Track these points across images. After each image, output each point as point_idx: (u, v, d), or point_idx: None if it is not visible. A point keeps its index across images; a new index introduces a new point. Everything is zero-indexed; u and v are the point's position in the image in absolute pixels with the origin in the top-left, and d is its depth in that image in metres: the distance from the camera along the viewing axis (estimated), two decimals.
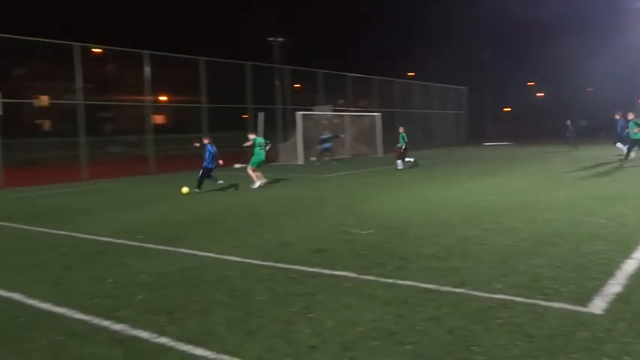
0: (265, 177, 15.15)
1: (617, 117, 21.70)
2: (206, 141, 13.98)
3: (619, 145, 21.23)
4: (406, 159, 20.06)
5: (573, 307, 4.41)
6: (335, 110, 32.23)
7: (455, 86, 45.02)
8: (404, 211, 9.71)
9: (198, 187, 13.70)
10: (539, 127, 59.09)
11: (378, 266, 5.90)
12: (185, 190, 13.30)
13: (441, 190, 12.99)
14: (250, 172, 14.65)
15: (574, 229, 7.52)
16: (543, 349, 3.65)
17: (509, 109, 71.21)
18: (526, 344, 3.72)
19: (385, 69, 42.65)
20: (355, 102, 35.84)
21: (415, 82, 42.66)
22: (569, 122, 30.55)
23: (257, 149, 14.69)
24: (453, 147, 39.38)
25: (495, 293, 4.82)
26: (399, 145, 20.09)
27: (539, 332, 3.91)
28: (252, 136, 15.16)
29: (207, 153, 13.79)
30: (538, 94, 69.58)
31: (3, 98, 18.98)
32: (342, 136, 25.75)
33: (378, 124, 31.94)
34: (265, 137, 15.58)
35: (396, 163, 19.90)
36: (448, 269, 5.68)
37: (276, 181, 16.97)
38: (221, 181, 13.94)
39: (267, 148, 15.07)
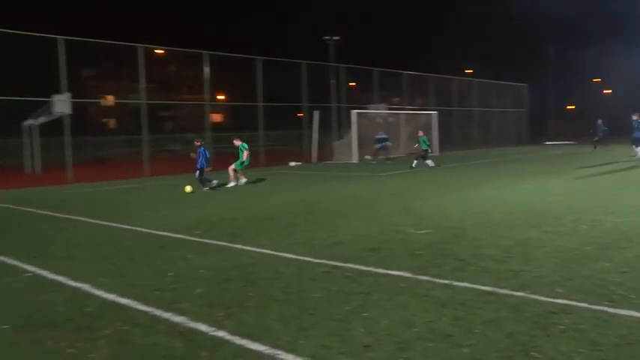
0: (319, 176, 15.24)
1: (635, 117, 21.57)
2: (198, 143, 14.88)
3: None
4: (426, 161, 20.41)
5: None
6: (390, 108, 31.97)
7: (515, 83, 43.62)
8: (461, 211, 9.51)
9: (204, 185, 14.45)
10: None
11: (435, 267, 5.81)
12: (188, 189, 13.77)
13: (500, 190, 12.64)
14: (231, 171, 15.29)
15: None
16: (609, 358, 3.48)
17: (574, 107, 68.28)
18: (590, 352, 3.56)
19: (442, 66, 41.96)
20: (411, 100, 35.43)
21: (473, 79, 41.65)
22: (600, 121, 29.23)
23: (242, 153, 15.35)
24: (512, 146, 38.21)
25: (557, 298, 4.64)
26: (422, 147, 20.44)
27: (605, 340, 3.74)
28: (237, 142, 15.70)
29: (201, 155, 14.59)
30: (605, 91, 66.37)
31: (72, 98, 19.99)
32: (389, 144, 25.63)
33: (434, 122, 31.43)
34: (247, 142, 16.15)
35: (412, 162, 20.38)
36: (507, 272, 5.52)
37: (331, 179, 17.03)
38: (215, 181, 14.69)
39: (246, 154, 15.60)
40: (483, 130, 39.61)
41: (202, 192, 14.10)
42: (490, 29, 55.82)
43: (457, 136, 37.16)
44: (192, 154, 14.80)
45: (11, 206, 12.35)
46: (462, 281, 5.23)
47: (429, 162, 20.42)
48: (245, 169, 15.67)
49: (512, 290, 4.89)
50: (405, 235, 7.57)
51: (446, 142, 34.17)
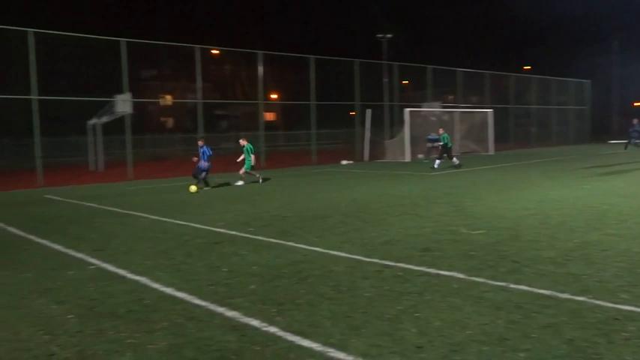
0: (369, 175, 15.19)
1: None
2: (201, 143, 15.08)
3: None
4: (453, 160, 19.74)
5: None
6: (444, 106, 31.42)
7: (576, 80, 41.87)
8: (518, 212, 9.24)
9: (206, 185, 14.77)
10: None
11: (489, 268, 5.67)
12: (193, 188, 14.06)
13: (559, 190, 12.17)
14: (243, 173, 15.58)
15: None
16: None
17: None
18: None
19: (499, 63, 40.81)
20: (466, 98, 34.67)
21: (532, 75, 40.28)
22: (635, 121, 27.48)
23: (249, 155, 15.55)
24: (573, 145, 36.73)
25: (622, 304, 4.43)
26: (441, 144, 19.72)
27: None
28: (243, 143, 15.78)
29: (204, 154, 14.83)
30: None
31: (133, 98, 20.78)
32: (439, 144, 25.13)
33: (490, 120, 30.65)
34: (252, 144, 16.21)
35: (434, 162, 19.60)
36: (567, 275, 5.31)
37: (383, 178, 16.92)
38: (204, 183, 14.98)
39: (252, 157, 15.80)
40: (542, 128, 38.27)
41: (254, 190, 14.33)
42: (550, 23, 53.83)
43: (514, 135, 36.09)
44: (195, 158, 15.09)
45: (76, 202, 12.98)
46: (518, 284, 5.08)
47: (455, 161, 19.74)
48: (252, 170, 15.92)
49: (572, 295, 4.71)
50: (458, 235, 7.42)
51: (502, 140, 33.26)
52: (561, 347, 3.65)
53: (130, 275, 5.86)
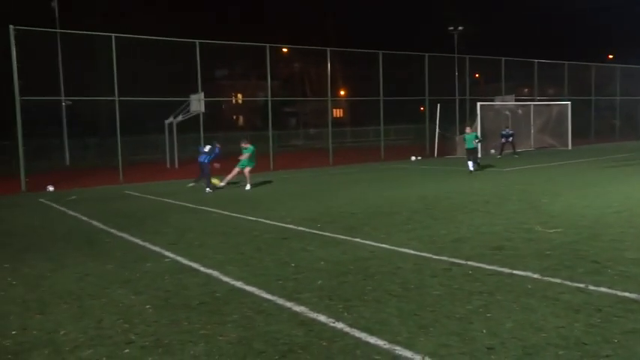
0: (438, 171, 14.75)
1: None
2: (218, 145, 15.30)
3: None
4: (477, 161, 17.29)
5: None
6: (518, 100, 30.19)
7: None
8: (597, 210, 8.73)
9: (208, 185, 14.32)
10: None
11: (566, 269, 5.40)
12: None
13: None
14: (247, 173, 14.60)
15: None
16: None
17: None
18: None
19: (579, 52, 38.72)
20: (542, 90, 33.13)
21: (615, 65, 37.86)
22: None
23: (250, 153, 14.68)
24: None
25: None
26: (468, 145, 17.16)
27: None
28: (245, 145, 14.93)
29: (214, 154, 14.80)
30: None
31: (205, 97, 21.50)
32: (509, 140, 23.91)
33: (568, 113, 29.13)
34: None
35: (466, 165, 16.91)
36: None
37: (453, 174, 16.52)
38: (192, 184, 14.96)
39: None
40: (627, 121, 35.92)
41: (322, 187, 14.43)
42: (635, 7, 50.38)
43: (596, 128, 34.12)
44: (217, 165, 14.70)
45: (153, 197, 13.60)
46: (598, 286, 4.80)
47: (470, 164, 16.76)
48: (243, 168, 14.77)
49: None
50: (532, 234, 7.12)
51: (582, 134, 31.54)
52: None
53: (202, 268, 6.07)
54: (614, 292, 4.64)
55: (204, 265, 6.18)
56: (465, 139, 17.70)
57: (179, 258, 6.62)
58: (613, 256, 5.77)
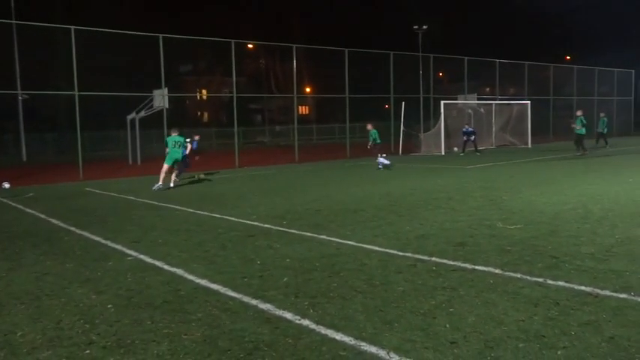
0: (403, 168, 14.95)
1: None
2: (197, 137, 15.88)
3: None
4: (378, 159, 17.96)
5: None
6: (481, 99, 30.83)
7: (620, 69, 40.40)
8: (556, 206, 9.00)
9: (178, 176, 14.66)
10: None
11: (526, 264, 5.55)
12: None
13: (600, 184, 11.80)
14: (163, 170, 14.09)
15: None
16: None
17: None
18: None
19: (538, 53, 39.75)
20: (503, 90, 33.90)
21: (573, 65, 39.06)
22: None
23: (173, 148, 14.02)
24: (617, 137, 35.51)
25: None
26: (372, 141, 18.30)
27: None
28: (174, 134, 14.40)
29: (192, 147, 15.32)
30: None
31: (169, 93, 21.14)
32: (471, 138, 24.57)
33: (528, 112, 29.92)
34: (184, 136, 14.81)
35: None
36: (608, 271, 5.15)
37: (418, 171, 16.75)
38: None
39: (188, 148, 15.09)
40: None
41: (288, 184, 14.39)
42: (591, 12, 52.10)
43: (554, 127, 35.13)
44: (196, 157, 15.22)
45: (115, 195, 13.31)
46: (556, 280, 4.96)
47: (382, 160, 17.78)
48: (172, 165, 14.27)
49: (613, 292, 4.57)
50: (493, 230, 7.29)
51: (542, 132, 32.43)
52: (601, 345, 3.55)
53: (166, 267, 5.98)
54: (571, 285, 4.79)
55: (167, 264, 6.09)
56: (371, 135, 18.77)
57: (142, 256, 6.50)
58: (570, 251, 5.96)
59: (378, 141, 18.82)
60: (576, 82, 37.12)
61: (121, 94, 21.78)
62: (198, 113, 51.85)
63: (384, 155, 18.31)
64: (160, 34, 20.37)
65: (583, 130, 21.15)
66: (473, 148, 24.42)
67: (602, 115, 26.37)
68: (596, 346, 3.55)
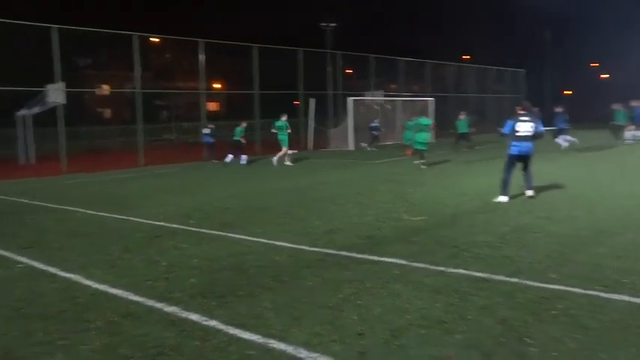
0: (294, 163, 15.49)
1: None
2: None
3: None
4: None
5: (635, 299, 4.18)
6: (387, 95, 31.84)
7: (512, 69, 43.41)
8: (456, 198, 9.49)
9: None
10: (600, 110, 56.17)
11: (429, 254, 5.79)
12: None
13: (494, 177, 12.56)
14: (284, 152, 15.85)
15: (638, 219, 7.12)
16: (602, 342, 3.47)
17: (571, 93, 68.07)
18: (583, 337, 3.56)
19: (439, 52, 41.72)
20: (408, 87, 35.25)
21: (470, 65, 41.41)
22: (560, 109, 29.38)
23: (280, 132, 15.83)
24: None
25: (551, 283, 4.63)
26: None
27: (598, 325, 3.73)
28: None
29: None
30: (602, 76, 66.13)
31: (66, 88, 19.82)
32: (376, 133, 25.57)
33: (431, 108, 31.32)
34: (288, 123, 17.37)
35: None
36: (501, 258, 5.51)
37: (327, 167, 16.98)
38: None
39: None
40: (480, 117, 39.48)
41: (196, 182, 14.06)
42: (488, 14, 55.51)
43: (453, 123, 37.07)
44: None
45: (5, 197, 12.28)
46: (456, 268, 5.22)
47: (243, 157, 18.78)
48: None
49: (506, 276, 4.88)
50: (399, 222, 7.55)
51: (444, 128, 34.09)
52: (495, 327, 3.77)
53: (61, 273, 5.59)
54: (469, 272, 5.06)
55: (63, 270, 5.70)
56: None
57: (34, 263, 6.03)
58: (468, 240, 6.30)
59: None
60: (473, 81, 39.42)
61: (8, 89, 20.07)
62: (99, 109, 49.16)
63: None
64: (54, 25, 19.01)
65: (466, 129, 22.89)
66: (380, 143, 25.16)
67: (462, 115, 24.03)
68: (490, 328, 3.77)
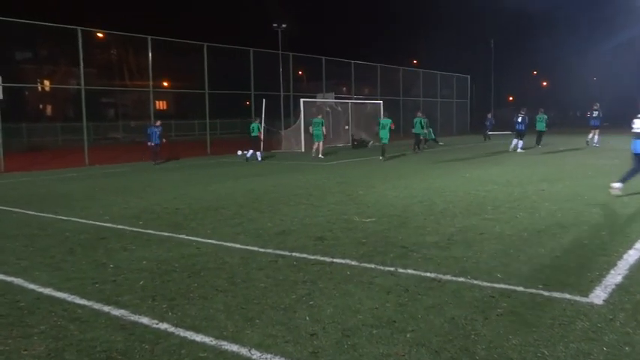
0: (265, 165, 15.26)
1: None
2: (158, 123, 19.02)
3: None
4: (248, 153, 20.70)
5: (574, 297, 4.40)
6: (338, 97, 32.11)
7: (458, 74, 44.71)
8: (405, 200, 9.69)
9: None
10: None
11: (379, 254, 5.89)
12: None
13: (442, 179, 12.95)
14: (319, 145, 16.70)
15: (576, 220, 7.50)
16: (543, 338, 3.64)
17: (512, 99, 70.84)
18: (526, 334, 3.72)
19: (390, 57, 42.47)
20: (359, 89, 35.68)
21: (419, 69, 42.37)
22: (489, 115, 32.64)
23: (315, 128, 16.84)
24: (457, 136, 39.23)
25: (496, 283, 4.81)
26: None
27: (540, 322, 3.91)
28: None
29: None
30: (543, 83, 69.15)
31: (4, 82, 18.93)
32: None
33: (381, 111, 31.82)
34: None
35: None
36: (449, 258, 5.67)
37: (278, 168, 16.96)
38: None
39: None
40: (429, 120, 40.47)
41: (144, 182, 13.73)
42: (437, 20, 56.95)
43: (403, 126, 37.81)
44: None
45: None
46: (406, 268, 5.33)
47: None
48: None
49: (453, 276, 5.03)
50: (350, 224, 7.63)
51: (394, 131, 34.67)
52: (443, 326, 3.89)
53: (1, 277, 5.34)
54: (418, 272, 5.19)
55: (3, 273, 5.45)
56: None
57: None
58: (417, 241, 6.46)
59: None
60: (422, 85, 40.33)
61: None
62: (40, 106, 47.18)
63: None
64: None
65: (421, 130, 23.78)
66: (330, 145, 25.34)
67: (419, 115, 24.29)
68: (439, 326, 3.88)
